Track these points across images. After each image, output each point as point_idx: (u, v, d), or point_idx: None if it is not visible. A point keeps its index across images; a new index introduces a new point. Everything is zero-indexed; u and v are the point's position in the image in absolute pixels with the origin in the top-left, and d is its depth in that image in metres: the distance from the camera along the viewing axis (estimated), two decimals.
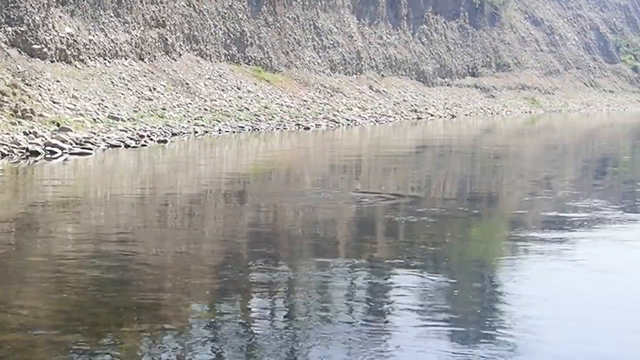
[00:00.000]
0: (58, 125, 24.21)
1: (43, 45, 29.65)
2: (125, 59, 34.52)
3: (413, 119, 48.35)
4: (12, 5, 28.66)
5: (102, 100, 29.27)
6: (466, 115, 55.32)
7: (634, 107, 79.82)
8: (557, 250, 10.22)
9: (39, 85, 27.21)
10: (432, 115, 51.23)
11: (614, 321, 7.35)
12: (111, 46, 33.75)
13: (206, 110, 34.24)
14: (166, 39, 37.79)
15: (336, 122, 39.73)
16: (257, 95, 40.06)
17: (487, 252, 10.70)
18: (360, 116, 43.52)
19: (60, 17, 31.28)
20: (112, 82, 31.72)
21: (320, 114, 40.97)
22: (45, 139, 22.31)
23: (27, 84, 26.65)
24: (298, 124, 36.76)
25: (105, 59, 33.09)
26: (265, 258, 9.67)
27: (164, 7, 38.12)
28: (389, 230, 11.76)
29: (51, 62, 29.84)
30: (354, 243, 10.98)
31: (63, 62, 30.57)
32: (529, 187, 17.89)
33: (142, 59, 35.73)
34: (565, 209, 13.72)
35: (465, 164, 23.92)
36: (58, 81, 28.58)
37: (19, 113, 23.98)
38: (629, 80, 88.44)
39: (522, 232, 11.81)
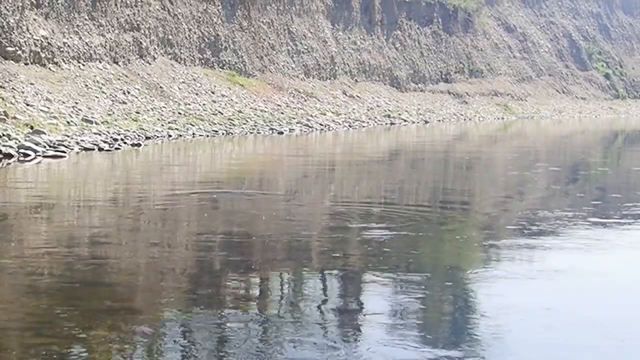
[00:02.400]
0: (32, 127, 24.18)
1: (17, 48, 29.60)
2: (100, 62, 34.50)
3: (386, 124, 48.54)
4: None
5: (76, 103, 29.25)
6: (439, 121, 55.59)
7: (605, 114, 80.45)
8: (529, 259, 10.36)
9: (13, 88, 27.17)
10: (405, 121, 51.45)
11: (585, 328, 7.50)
12: (85, 49, 33.73)
13: (180, 114, 34.25)
14: (140, 42, 37.79)
15: (310, 127, 39.84)
16: (231, 100, 40.12)
17: (459, 262, 10.83)
18: (333, 121, 43.64)
19: (34, 19, 31.24)
20: (86, 85, 31.69)
21: (294, 118, 41.05)
22: (19, 141, 22.27)
23: (1, 87, 26.62)
24: (272, 129, 36.83)
25: (79, 62, 33.06)
26: (239, 263, 9.77)
27: (138, 11, 38.11)
28: (358, 241, 11.88)
29: (25, 64, 29.80)
30: (321, 249, 11.09)
31: (37, 64, 30.54)
32: (501, 199, 18.08)
33: (117, 62, 35.71)
34: (536, 219, 13.89)
35: (438, 173, 24.07)
36: (32, 84, 28.53)
37: None
38: (600, 88, 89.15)
39: (494, 243, 11.97)
